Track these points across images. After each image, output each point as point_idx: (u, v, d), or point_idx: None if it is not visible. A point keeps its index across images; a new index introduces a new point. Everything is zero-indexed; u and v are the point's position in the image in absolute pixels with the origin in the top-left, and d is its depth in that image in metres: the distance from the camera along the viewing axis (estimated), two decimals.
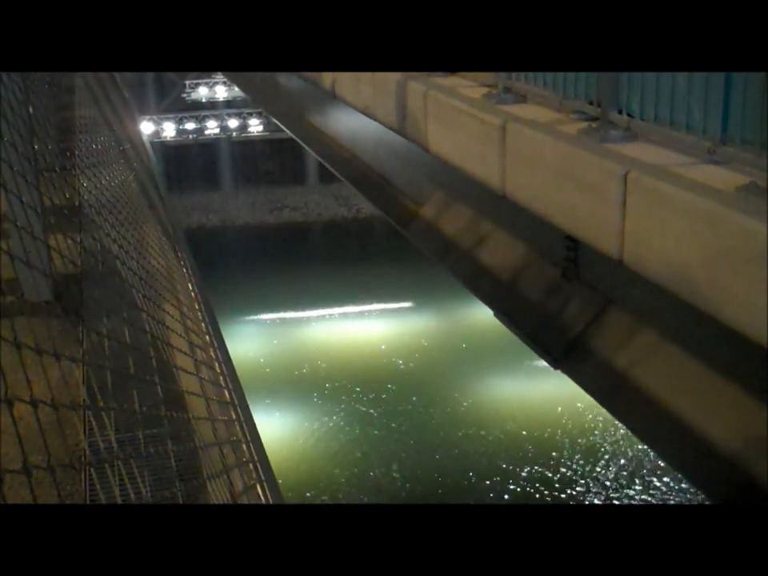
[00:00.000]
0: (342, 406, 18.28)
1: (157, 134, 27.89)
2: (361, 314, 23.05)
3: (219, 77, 28.17)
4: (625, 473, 15.92)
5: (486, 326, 16.72)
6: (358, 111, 8.80)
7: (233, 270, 25.30)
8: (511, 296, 5.81)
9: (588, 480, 15.66)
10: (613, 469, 16.04)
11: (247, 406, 5.11)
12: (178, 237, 9.16)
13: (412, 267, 21.80)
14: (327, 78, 9.92)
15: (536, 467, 15.94)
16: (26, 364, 1.76)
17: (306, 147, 12.67)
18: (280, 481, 4.38)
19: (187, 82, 29.15)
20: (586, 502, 14.89)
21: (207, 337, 5.89)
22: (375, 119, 8.22)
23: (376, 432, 17.33)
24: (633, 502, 15.01)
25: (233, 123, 28.80)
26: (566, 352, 5.07)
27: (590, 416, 17.32)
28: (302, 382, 19.15)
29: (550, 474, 15.77)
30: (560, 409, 17.40)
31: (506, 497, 15.13)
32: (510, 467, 15.92)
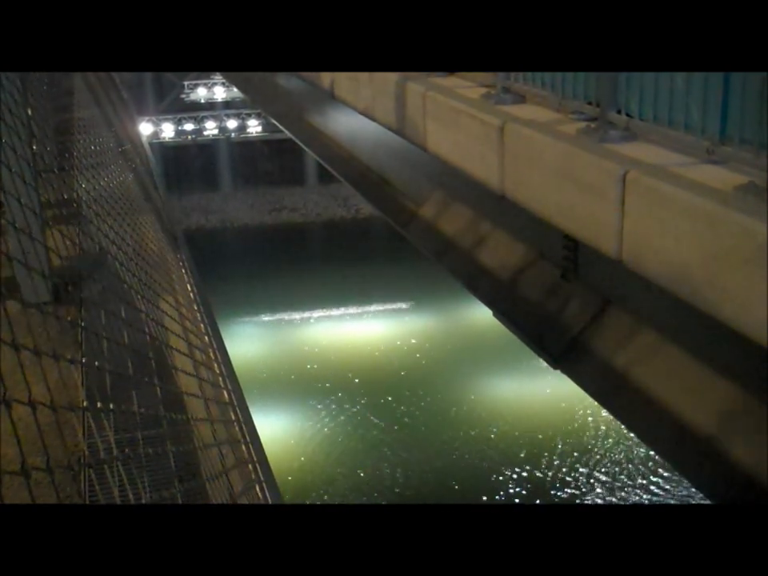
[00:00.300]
0: (341, 406, 18.28)
1: (156, 134, 27.89)
2: (360, 314, 23.05)
3: (218, 77, 28.16)
4: (627, 472, 15.92)
5: (486, 327, 16.72)
6: (357, 112, 8.80)
7: (232, 270, 25.29)
8: (510, 296, 5.81)
9: (590, 480, 15.67)
10: (614, 468, 16.04)
11: (246, 406, 5.10)
12: (177, 238, 9.15)
13: (411, 267, 21.81)
14: (326, 78, 9.92)
15: (536, 467, 15.93)
16: (24, 365, 1.76)
17: (305, 148, 12.66)
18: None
19: (186, 83, 29.14)
20: (586, 502, 14.89)
21: (206, 338, 5.88)
22: (374, 120, 8.22)
23: (375, 432, 17.32)
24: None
25: (232, 124, 28.80)
26: (565, 352, 5.07)
27: (590, 416, 17.33)
28: (301, 383, 19.15)
29: (550, 475, 15.78)
30: (564, 405, 17.39)
31: (504, 497, 15.13)
32: (510, 467, 15.92)
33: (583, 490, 15.37)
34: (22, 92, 5.38)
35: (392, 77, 7.38)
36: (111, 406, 2.46)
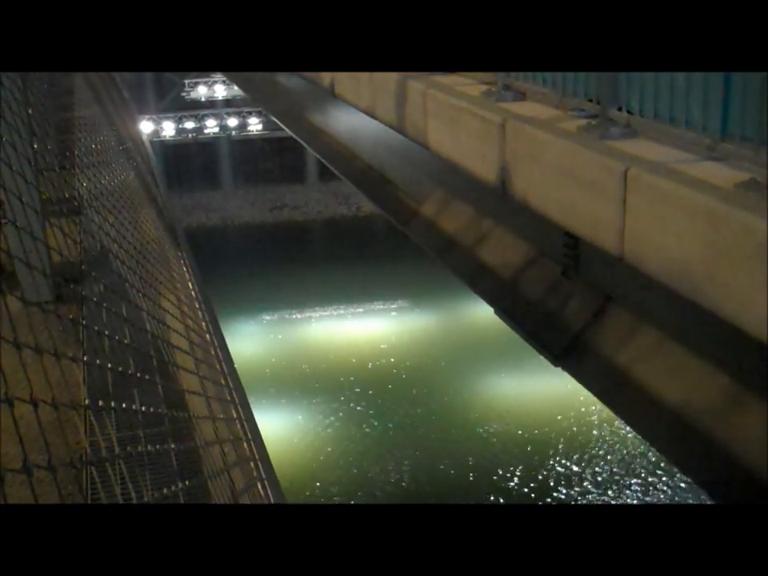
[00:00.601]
0: (342, 404, 18.28)
1: (156, 133, 27.88)
2: (361, 312, 23.05)
3: (218, 76, 28.14)
4: (627, 471, 15.92)
5: (487, 324, 16.72)
6: (358, 110, 8.80)
7: (233, 268, 25.30)
8: (512, 294, 5.81)
9: (591, 478, 15.67)
10: (614, 467, 16.05)
11: (248, 404, 5.11)
12: (178, 236, 9.16)
13: (412, 265, 21.80)
14: (326, 76, 9.91)
15: (537, 465, 15.93)
16: (26, 364, 1.76)
17: (306, 146, 12.66)
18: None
19: (186, 81, 29.13)
20: (586, 502, 14.89)
21: (208, 336, 5.89)
22: (375, 117, 8.21)
23: (375, 431, 17.33)
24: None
25: (232, 122, 28.80)
26: (566, 350, 5.07)
27: (593, 414, 17.34)
28: (302, 381, 19.15)
29: (551, 474, 15.78)
30: (565, 403, 17.39)
31: (505, 497, 15.13)
32: (511, 465, 15.92)
33: (586, 486, 15.37)
34: (23, 91, 5.39)
35: (393, 75, 7.38)
36: (113, 404, 2.46)
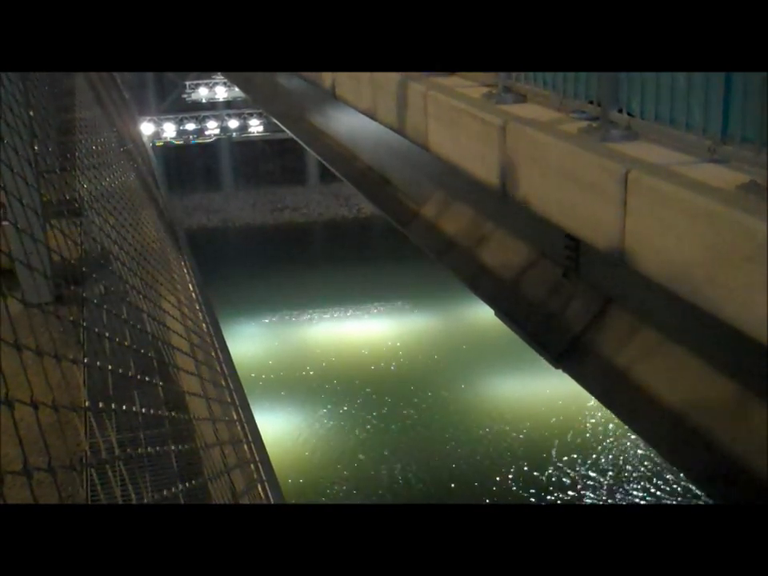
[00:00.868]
0: (342, 405, 18.28)
1: (157, 134, 27.90)
2: (362, 313, 23.05)
3: (219, 77, 28.18)
4: (627, 472, 15.92)
5: (487, 326, 16.71)
6: (358, 111, 8.80)
7: (233, 270, 25.31)
8: (512, 295, 5.81)
9: (590, 480, 15.66)
10: (614, 468, 16.04)
11: (248, 406, 5.11)
12: (178, 237, 9.16)
13: (413, 267, 21.80)
14: (327, 77, 9.92)
15: (537, 466, 15.93)
16: (26, 366, 1.76)
17: (307, 147, 12.67)
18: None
19: (187, 83, 29.16)
20: (586, 502, 14.88)
21: (208, 337, 5.89)
22: (375, 119, 8.22)
23: (375, 432, 17.33)
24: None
25: (233, 124, 28.81)
26: (566, 351, 5.07)
27: (593, 414, 17.33)
28: (303, 382, 19.15)
29: (551, 474, 15.78)
30: (565, 404, 17.38)
31: (505, 497, 15.12)
32: (511, 466, 15.92)
33: (587, 484, 15.36)
34: (24, 92, 5.39)
35: (393, 76, 7.38)
36: (113, 405, 2.46)
